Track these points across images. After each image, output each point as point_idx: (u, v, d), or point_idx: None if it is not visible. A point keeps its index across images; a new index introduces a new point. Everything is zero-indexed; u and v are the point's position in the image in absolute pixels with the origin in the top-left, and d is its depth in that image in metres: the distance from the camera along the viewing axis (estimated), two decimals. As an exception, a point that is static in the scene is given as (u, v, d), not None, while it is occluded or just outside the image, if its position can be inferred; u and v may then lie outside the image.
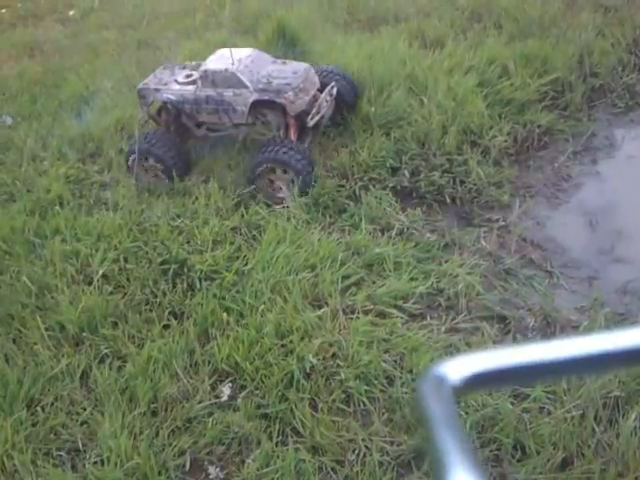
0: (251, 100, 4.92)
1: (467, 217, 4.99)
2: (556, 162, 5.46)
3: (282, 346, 3.67)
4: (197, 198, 4.85)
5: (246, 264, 4.25)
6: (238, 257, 4.32)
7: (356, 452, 3.16)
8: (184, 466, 3.22)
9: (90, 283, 4.17)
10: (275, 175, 4.94)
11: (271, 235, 4.45)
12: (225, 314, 3.86)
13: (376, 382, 3.52)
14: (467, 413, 3.25)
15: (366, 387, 3.49)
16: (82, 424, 3.43)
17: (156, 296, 4.03)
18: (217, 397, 3.48)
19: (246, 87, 4.92)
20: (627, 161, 5.41)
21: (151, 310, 3.99)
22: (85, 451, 3.32)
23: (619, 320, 3.89)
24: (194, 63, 5.50)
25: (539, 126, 5.70)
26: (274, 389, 3.41)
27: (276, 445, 3.20)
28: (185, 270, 4.18)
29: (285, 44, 6.96)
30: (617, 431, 3.13)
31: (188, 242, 4.43)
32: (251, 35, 7.63)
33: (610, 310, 3.98)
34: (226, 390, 3.49)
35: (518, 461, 3.09)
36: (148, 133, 5.24)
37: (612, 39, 6.80)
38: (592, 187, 5.20)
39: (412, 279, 4.28)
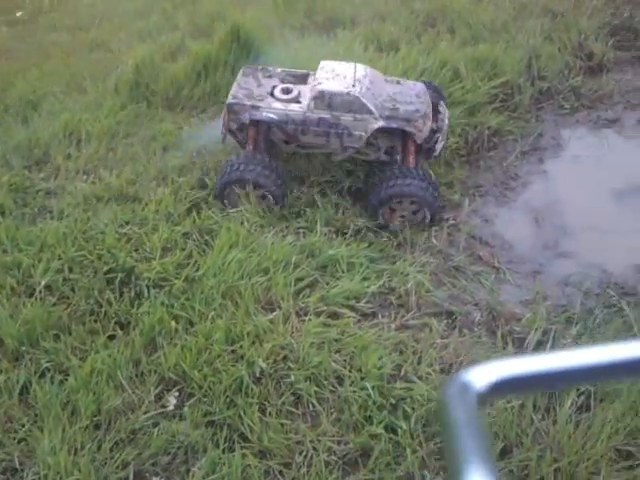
0: (376, 127, 4.63)
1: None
2: (505, 162, 5.58)
3: (232, 352, 3.65)
4: (147, 204, 4.77)
5: (197, 270, 4.21)
6: (189, 263, 4.27)
7: (304, 454, 3.17)
8: (127, 479, 3.16)
9: (32, 295, 4.04)
10: (400, 205, 4.71)
11: (223, 240, 4.42)
12: (173, 322, 3.81)
13: (326, 382, 3.54)
14: (413, 409, 3.29)
15: (316, 388, 3.50)
16: (20, 441, 3.33)
17: (101, 306, 3.95)
18: (163, 407, 3.43)
19: (370, 113, 4.61)
20: (572, 160, 5.56)
21: (96, 321, 3.90)
22: (22, 469, 3.22)
23: (560, 312, 3.99)
24: (279, 70, 5.16)
25: (489, 127, 5.82)
26: (222, 396, 3.38)
27: (223, 452, 3.18)
28: (132, 278, 4.11)
29: (240, 47, 6.93)
30: (554, 418, 3.21)
31: (136, 250, 4.35)
32: (206, 38, 7.57)
33: (552, 303, 4.11)
34: (172, 399, 3.45)
35: (462, 453, 3.13)
36: (239, 157, 4.84)
37: (559, 43, 6.99)
38: (539, 186, 5.34)
39: (365, 279, 4.33)
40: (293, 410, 3.40)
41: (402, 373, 3.57)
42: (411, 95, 4.86)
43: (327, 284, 4.26)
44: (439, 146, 4.87)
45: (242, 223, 4.63)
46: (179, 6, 8.72)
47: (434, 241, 4.74)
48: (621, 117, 6.22)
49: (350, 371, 3.57)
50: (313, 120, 4.69)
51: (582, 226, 4.85)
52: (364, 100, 4.60)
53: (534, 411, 3.28)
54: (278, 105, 4.78)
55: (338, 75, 4.73)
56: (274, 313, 3.98)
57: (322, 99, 4.64)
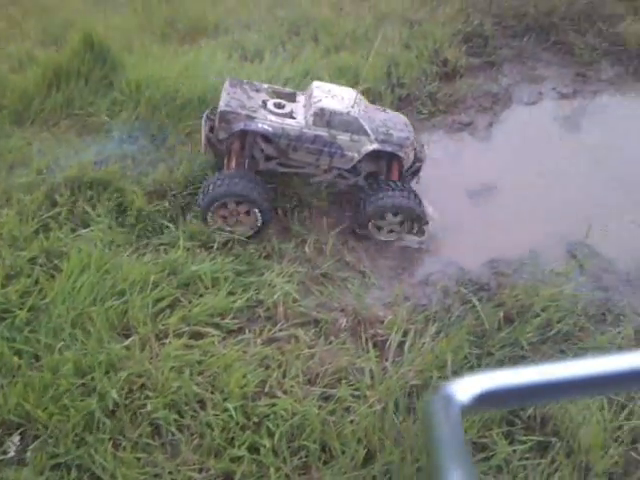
0: (370, 149, 4.74)
1: (288, 226, 5.02)
2: (367, 169, 5.68)
3: (82, 385, 3.38)
4: (-14, 229, 4.35)
5: (43, 298, 3.88)
6: (34, 291, 3.92)
7: (162, 488, 2.98)
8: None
9: None
10: (384, 220, 4.79)
11: (74, 262, 4.12)
12: (16, 357, 3.46)
13: (187, 408, 3.38)
14: (277, 425, 3.22)
15: (176, 415, 3.33)
16: None
17: None
18: (4, 453, 3.10)
19: (367, 135, 4.72)
20: (430, 164, 5.75)
21: None
22: None
23: (420, 311, 4.10)
24: (266, 85, 5.14)
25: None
26: (70, 434, 3.12)
27: (71, 496, 2.92)
28: (-31, 313, 3.71)
29: (94, 56, 6.56)
30: (414, 418, 3.27)
31: (-27, 281, 3.94)
32: (57, 46, 7.09)
33: (413, 303, 4.22)
34: (13, 445, 3.12)
35: (325, 464, 3.11)
36: (221, 172, 4.71)
37: (416, 51, 7.30)
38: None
39: (230, 294, 4.21)
40: (150, 442, 3.20)
41: (267, 389, 3.49)
42: (400, 123, 5.08)
43: (190, 302, 4.10)
44: (421, 174, 5.14)
45: (95, 244, 4.35)
46: (29, 13, 8.14)
47: (302, 249, 4.72)
48: (474, 120, 6.59)
49: (212, 393, 3.43)
50: (309, 136, 4.68)
51: (441, 226, 5.04)
52: (362, 122, 4.70)
53: (397, 413, 3.33)
54: (273, 118, 4.70)
55: (335, 96, 4.80)
56: (130, 339, 3.76)
57: (322, 116, 4.64)
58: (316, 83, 5.00)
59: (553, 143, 6.31)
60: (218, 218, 4.66)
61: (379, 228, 4.87)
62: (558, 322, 4.08)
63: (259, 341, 3.90)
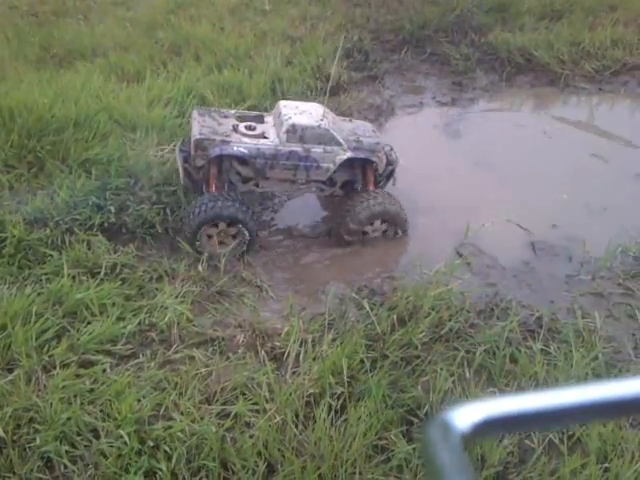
0: (345, 157, 4.87)
1: (180, 246, 4.93)
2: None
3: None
4: None
5: None
6: None
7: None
8: None
9: None
10: (371, 226, 5.00)
11: (-55, 300, 3.83)
12: None
13: (79, 438, 3.23)
14: (174, 447, 3.14)
15: (67, 447, 3.18)
16: None
17: None
18: None
19: (339, 145, 4.85)
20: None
21: None
22: None
23: (317, 320, 4.16)
24: (233, 111, 5.24)
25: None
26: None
27: None
28: None
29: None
30: (313, 427, 3.30)
31: None
32: None
33: (309, 312, 4.28)
34: None
35: (224, 481, 3.07)
36: (205, 196, 4.78)
37: (299, 67, 7.47)
38: (293, 203, 5.60)
39: (120, 319, 4.09)
40: (42, 476, 3.04)
41: (162, 411, 3.40)
42: (367, 130, 5.24)
43: (77, 331, 3.93)
44: (395, 176, 5.29)
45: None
46: None
47: (196, 269, 4.64)
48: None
49: (105, 421, 3.30)
50: (284, 153, 4.79)
51: (333, 239, 5.17)
52: (333, 133, 4.82)
53: (296, 423, 3.34)
54: (247, 140, 4.80)
55: (304, 111, 4.92)
56: (14, 373, 3.55)
57: (294, 132, 4.76)
58: (283, 102, 5.13)
59: (436, 148, 6.66)
60: (206, 240, 4.77)
61: (364, 233, 5.07)
62: (449, 320, 4.15)
63: (153, 364, 3.79)
